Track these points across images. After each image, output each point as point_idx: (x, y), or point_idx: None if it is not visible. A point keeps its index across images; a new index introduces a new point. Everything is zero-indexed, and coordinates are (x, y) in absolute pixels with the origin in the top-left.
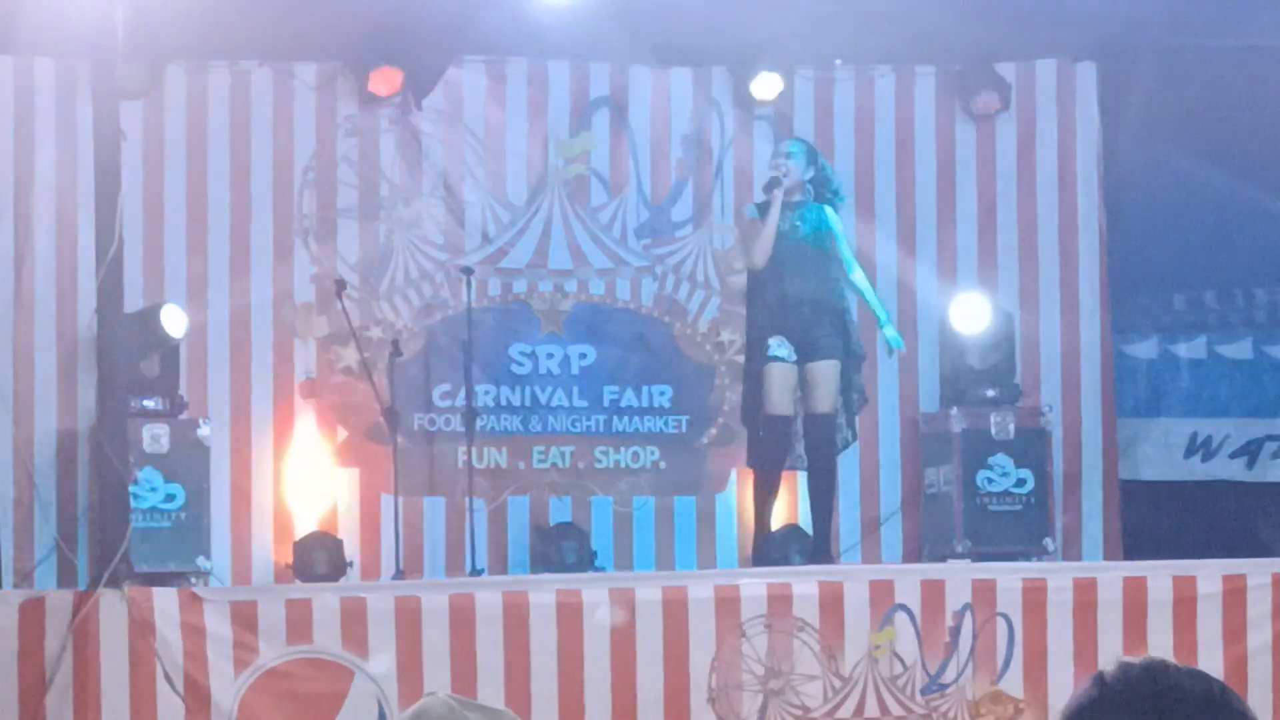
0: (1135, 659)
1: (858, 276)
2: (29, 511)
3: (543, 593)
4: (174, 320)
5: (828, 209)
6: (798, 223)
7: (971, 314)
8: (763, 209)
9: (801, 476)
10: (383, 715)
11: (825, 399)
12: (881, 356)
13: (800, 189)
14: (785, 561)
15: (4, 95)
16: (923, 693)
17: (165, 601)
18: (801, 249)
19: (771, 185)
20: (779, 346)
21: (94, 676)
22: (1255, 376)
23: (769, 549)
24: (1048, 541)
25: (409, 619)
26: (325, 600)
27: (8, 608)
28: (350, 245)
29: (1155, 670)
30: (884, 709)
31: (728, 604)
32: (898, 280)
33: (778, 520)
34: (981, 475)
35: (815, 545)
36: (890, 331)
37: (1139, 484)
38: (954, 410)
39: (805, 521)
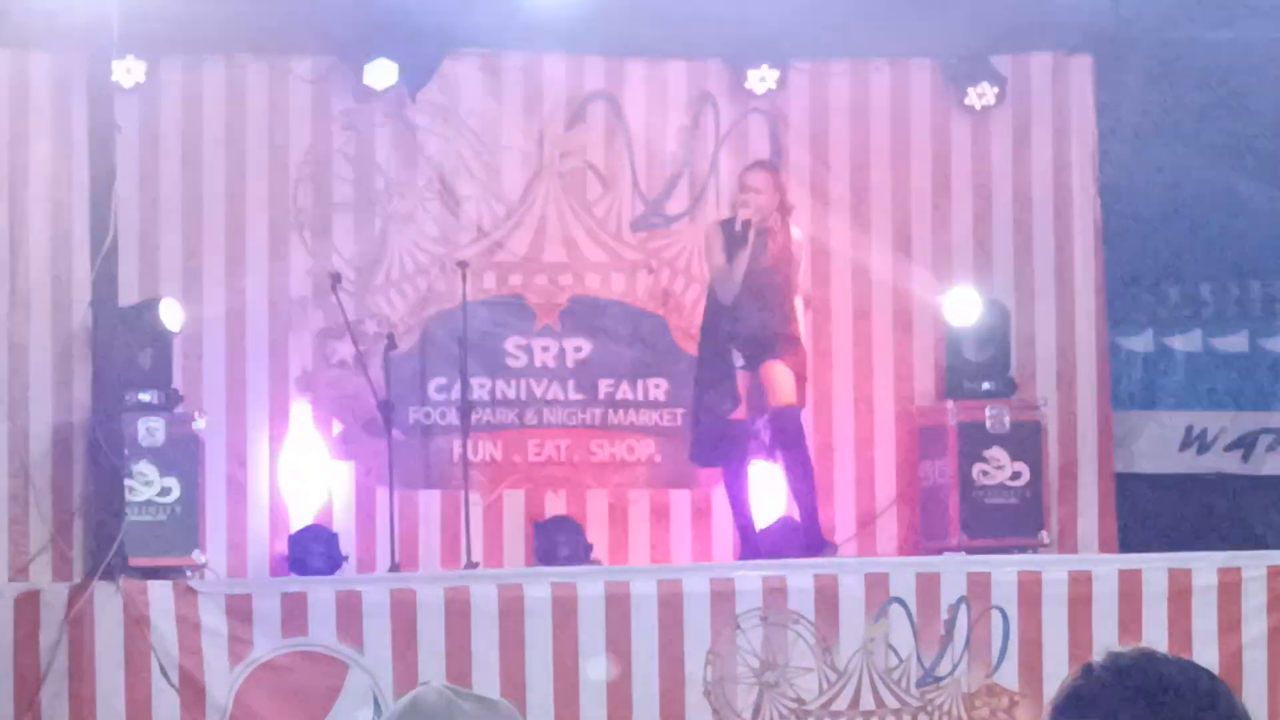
0: (1124, 649)
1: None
2: (24, 505)
3: (538, 586)
4: (156, 313)
5: (795, 230)
6: (760, 253)
7: (963, 306)
8: (729, 236)
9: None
10: (378, 708)
11: (785, 392)
12: (877, 349)
13: (770, 216)
14: (779, 555)
15: None
16: (918, 685)
17: (160, 595)
18: (762, 275)
19: (745, 228)
20: (734, 353)
21: (89, 669)
22: (1250, 369)
23: (760, 543)
24: (1043, 534)
25: (404, 612)
26: (320, 593)
27: (3, 601)
28: (345, 239)
29: (1144, 660)
30: (879, 702)
31: (723, 597)
32: (893, 273)
33: (770, 514)
34: (977, 468)
35: (808, 536)
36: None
37: (1134, 477)
38: (949, 404)
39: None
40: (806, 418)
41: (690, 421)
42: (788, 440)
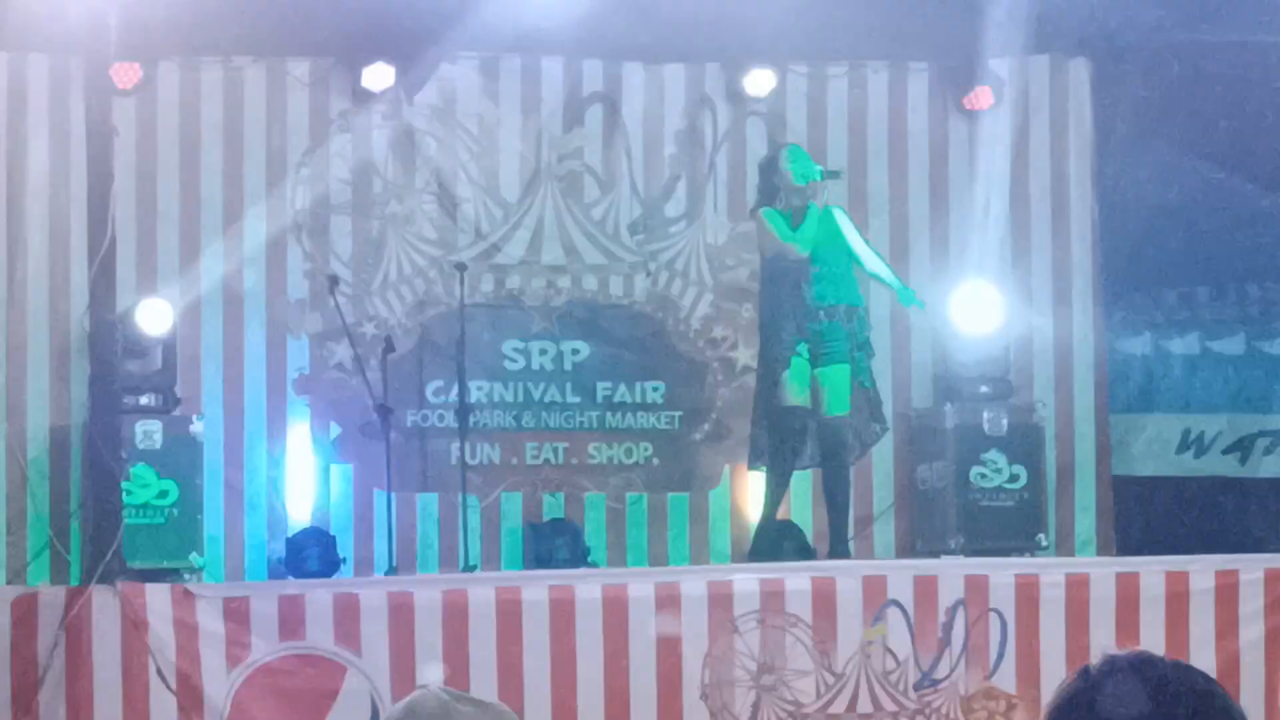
0: (1121, 652)
1: (871, 264)
2: (22, 507)
3: (536, 589)
4: (154, 316)
5: (837, 210)
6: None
7: (961, 309)
8: (797, 208)
9: (804, 475)
10: (375, 711)
11: (838, 402)
12: (876, 353)
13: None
14: (778, 557)
15: None
16: (916, 688)
17: (158, 598)
18: (819, 249)
19: (830, 176)
20: (800, 345)
21: (86, 673)
22: (1248, 372)
23: (766, 544)
24: (1041, 537)
25: (402, 615)
26: (318, 596)
27: (0, 604)
28: (343, 241)
29: (1141, 663)
30: (877, 705)
31: (721, 600)
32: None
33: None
34: (975, 471)
35: (832, 545)
36: (907, 295)
37: (1132, 480)
38: (947, 406)
39: (799, 518)
40: None
41: (756, 420)
42: (829, 453)
